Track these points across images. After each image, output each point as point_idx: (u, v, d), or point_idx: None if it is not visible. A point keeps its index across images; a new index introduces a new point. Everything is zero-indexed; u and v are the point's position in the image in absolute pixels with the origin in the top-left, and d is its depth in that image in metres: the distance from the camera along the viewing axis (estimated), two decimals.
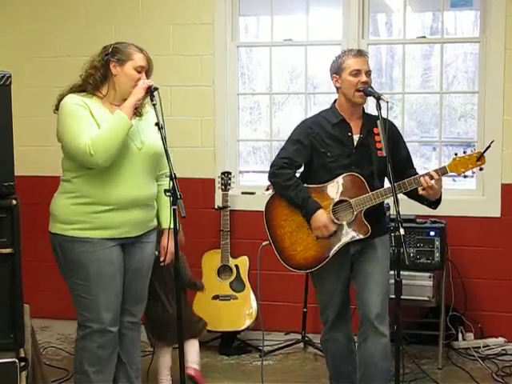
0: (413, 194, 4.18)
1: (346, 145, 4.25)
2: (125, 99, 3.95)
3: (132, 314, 4.24)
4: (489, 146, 4.05)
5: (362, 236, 4.16)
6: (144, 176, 4.03)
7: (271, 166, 4.37)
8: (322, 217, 4.17)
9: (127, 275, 4.12)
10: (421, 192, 4.08)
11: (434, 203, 4.26)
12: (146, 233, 4.14)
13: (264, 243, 4.42)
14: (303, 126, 4.38)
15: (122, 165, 3.92)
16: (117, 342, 4.10)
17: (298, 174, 4.37)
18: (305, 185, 4.29)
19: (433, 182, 4.04)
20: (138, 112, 4.04)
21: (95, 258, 3.94)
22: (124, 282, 4.11)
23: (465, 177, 4.14)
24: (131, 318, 4.24)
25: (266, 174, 4.40)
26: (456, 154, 4.09)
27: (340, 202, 4.21)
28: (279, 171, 4.29)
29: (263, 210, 4.39)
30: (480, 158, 4.05)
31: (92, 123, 3.86)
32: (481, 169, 4.12)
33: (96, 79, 4.00)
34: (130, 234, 4.04)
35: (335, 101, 4.38)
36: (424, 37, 6.18)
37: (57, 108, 4.00)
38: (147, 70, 4.03)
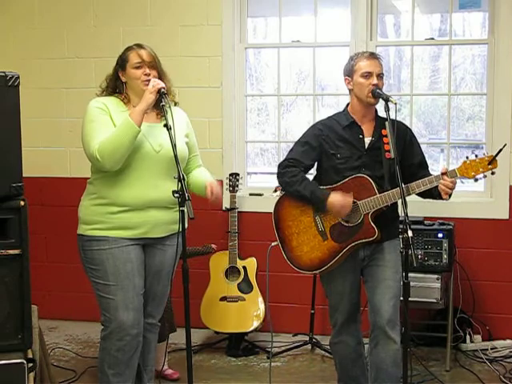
0: (424, 192, 4.16)
1: (356, 147, 4.24)
2: None
3: (152, 315, 4.24)
4: (501, 150, 3.98)
5: (370, 239, 4.15)
6: (162, 177, 4.01)
7: (278, 167, 4.38)
8: (336, 197, 4.12)
9: (148, 277, 4.13)
10: (444, 196, 4.05)
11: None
12: (168, 236, 4.12)
13: (273, 244, 4.43)
14: (313, 128, 4.39)
15: (137, 166, 3.95)
16: (138, 346, 4.07)
17: (310, 177, 4.37)
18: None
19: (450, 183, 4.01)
20: (160, 113, 4.05)
21: (111, 255, 3.95)
22: (145, 284, 4.12)
23: (475, 180, 4.08)
24: (150, 319, 4.23)
25: (274, 176, 4.40)
26: (467, 157, 4.02)
27: None
28: (285, 170, 4.30)
29: (271, 211, 4.40)
30: (492, 161, 4.00)
31: (108, 127, 3.93)
32: (493, 173, 4.04)
33: (111, 88, 4.12)
34: (150, 234, 4.04)
35: (348, 104, 4.38)
36: (432, 38, 6.17)
37: None
38: (152, 63, 4.06)
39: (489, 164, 4.00)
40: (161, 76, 4.09)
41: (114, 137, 3.85)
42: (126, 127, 3.86)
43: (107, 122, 3.95)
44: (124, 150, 3.85)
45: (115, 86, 4.11)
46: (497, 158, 4.00)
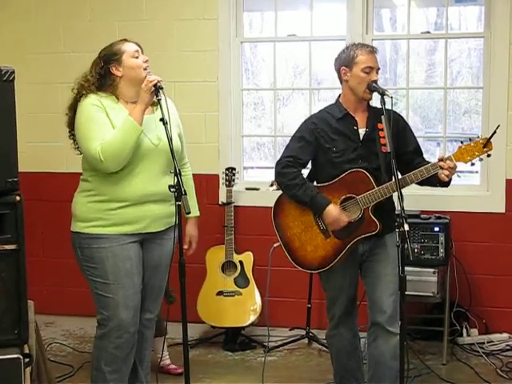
0: (422, 180, 4.13)
1: (351, 139, 4.22)
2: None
3: (149, 310, 4.23)
4: (495, 132, 3.97)
5: (372, 233, 4.14)
6: (160, 171, 4.01)
7: (276, 165, 4.35)
8: (333, 211, 4.14)
9: (146, 272, 4.12)
10: (445, 179, 4.00)
11: (448, 182, 4.17)
12: (165, 229, 4.11)
13: (275, 245, 4.44)
14: (307, 123, 4.35)
15: (136, 161, 3.93)
16: (134, 343, 4.07)
17: (305, 172, 4.36)
18: (314, 183, 4.29)
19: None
20: (154, 103, 4.04)
21: (111, 254, 3.94)
22: (143, 279, 4.10)
23: (472, 165, 4.06)
24: (148, 314, 4.23)
25: (270, 170, 4.39)
26: (462, 142, 4.02)
27: (347, 199, 4.19)
28: (284, 170, 4.27)
29: (267, 205, 4.41)
30: (486, 144, 3.99)
31: (107, 126, 3.90)
32: (488, 155, 4.04)
33: (96, 87, 4.04)
34: (150, 229, 4.03)
35: (339, 96, 4.36)
36: (428, 32, 6.16)
37: (72, 110, 4.04)
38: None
39: (484, 147, 3.99)
40: None
41: (118, 138, 3.82)
42: (130, 127, 3.84)
43: (105, 121, 3.91)
44: (128, 151, 3.85)
45: (101, 85, 4.03)
46: (491, 140, 3.99)
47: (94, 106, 3.93)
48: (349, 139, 4.23)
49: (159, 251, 4.14)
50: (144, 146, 3.94)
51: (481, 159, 4.06)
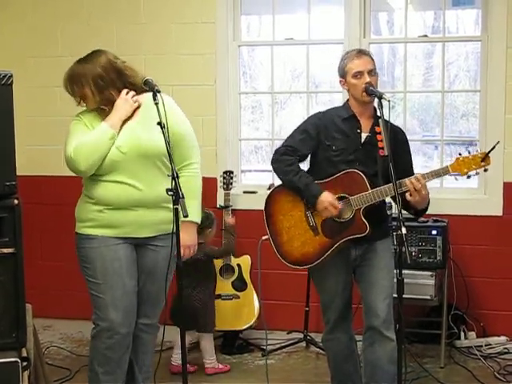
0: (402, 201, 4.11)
1: (352, 140, 4.22)
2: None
3: (146, 315, 4.19)
4: (493, 147, 3.97)
5: (361, 234, 4.14)
6: (148, 175, 3.97)
7: (274, 153, 4.37)
8: (327, 197, 4.12)
9: (141, 275, 4.11)
10: (408, 198, 4.03)
11: (420, 212, 4.26)
12: (160, 236, 4.06)
13: (264, 237, 4.42)
14: (313, 117, 4.39)
15: (113, 169, 3.93)
16: (128, 345, 4.05)
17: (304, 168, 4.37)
18: None
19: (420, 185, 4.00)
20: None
21: (100, 255, 3.95)
22: (138, 283, 4.10)
23: (468, 177, 4.08)
24: (145, 319, 4.18)
25: (268, 173, 4.39)
26: (460, 154, 4.03)
27: (340, 198, 4.19)
28: (282, 157, 4.29)
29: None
30: (484, 158, 4.00)
31: (84, 131, 3.98)
32: (485, 170, 4.04)
33: None
34: (136, 234, 4.01)
35: (348, 99, 4.38)
36: (426, 36, 6.19)
37: None
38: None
39: (482, 161, 3.99)
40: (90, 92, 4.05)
41: (91, 141, 3.90)
42: (104, 134, 3.91)
43: (82, 128, 4.00)
44: (100, 155, 3.89)
45: None
46: (490, 154, 4.00)
47: (74, 121, 4.09)
48: (350, 140, 4.23)
49: (153, 257, 4.10)
50: (112, 155, 3.94)
51: (477, 173, 4.06)
